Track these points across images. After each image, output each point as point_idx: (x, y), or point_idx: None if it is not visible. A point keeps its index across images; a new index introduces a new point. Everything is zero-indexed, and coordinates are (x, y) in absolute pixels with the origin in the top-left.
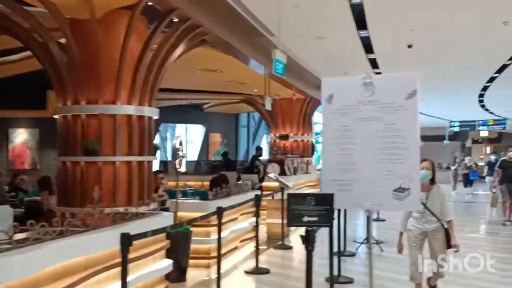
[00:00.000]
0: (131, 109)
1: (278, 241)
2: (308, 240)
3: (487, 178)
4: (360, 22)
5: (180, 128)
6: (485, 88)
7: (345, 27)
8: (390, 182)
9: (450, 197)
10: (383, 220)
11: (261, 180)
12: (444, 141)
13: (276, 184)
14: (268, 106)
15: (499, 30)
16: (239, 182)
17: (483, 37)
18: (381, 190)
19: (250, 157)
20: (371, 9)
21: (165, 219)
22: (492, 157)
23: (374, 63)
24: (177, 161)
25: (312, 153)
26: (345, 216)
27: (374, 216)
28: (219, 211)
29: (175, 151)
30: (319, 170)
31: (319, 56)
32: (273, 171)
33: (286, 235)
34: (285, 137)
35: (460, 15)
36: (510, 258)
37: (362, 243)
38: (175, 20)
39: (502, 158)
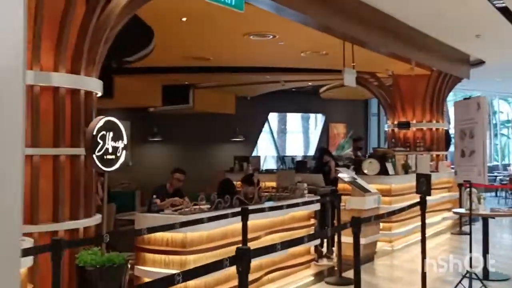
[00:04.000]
0: (57, 78)
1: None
2: None
3: None
4: None
5: (292, 118)
6: None
7: None
8: None
9: None
10: None
11: (333, 181)
12: None
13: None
14: (351, 82)
15: None
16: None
17: None
18: None
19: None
20: None
21: None
22: None
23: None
24: (96, 155)
25: (447, 146)
26: None
27: None
28: None
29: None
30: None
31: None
32: (369, 169)
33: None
34: (405, 125)
35: None
36: None
37: None
38: None
39: None
